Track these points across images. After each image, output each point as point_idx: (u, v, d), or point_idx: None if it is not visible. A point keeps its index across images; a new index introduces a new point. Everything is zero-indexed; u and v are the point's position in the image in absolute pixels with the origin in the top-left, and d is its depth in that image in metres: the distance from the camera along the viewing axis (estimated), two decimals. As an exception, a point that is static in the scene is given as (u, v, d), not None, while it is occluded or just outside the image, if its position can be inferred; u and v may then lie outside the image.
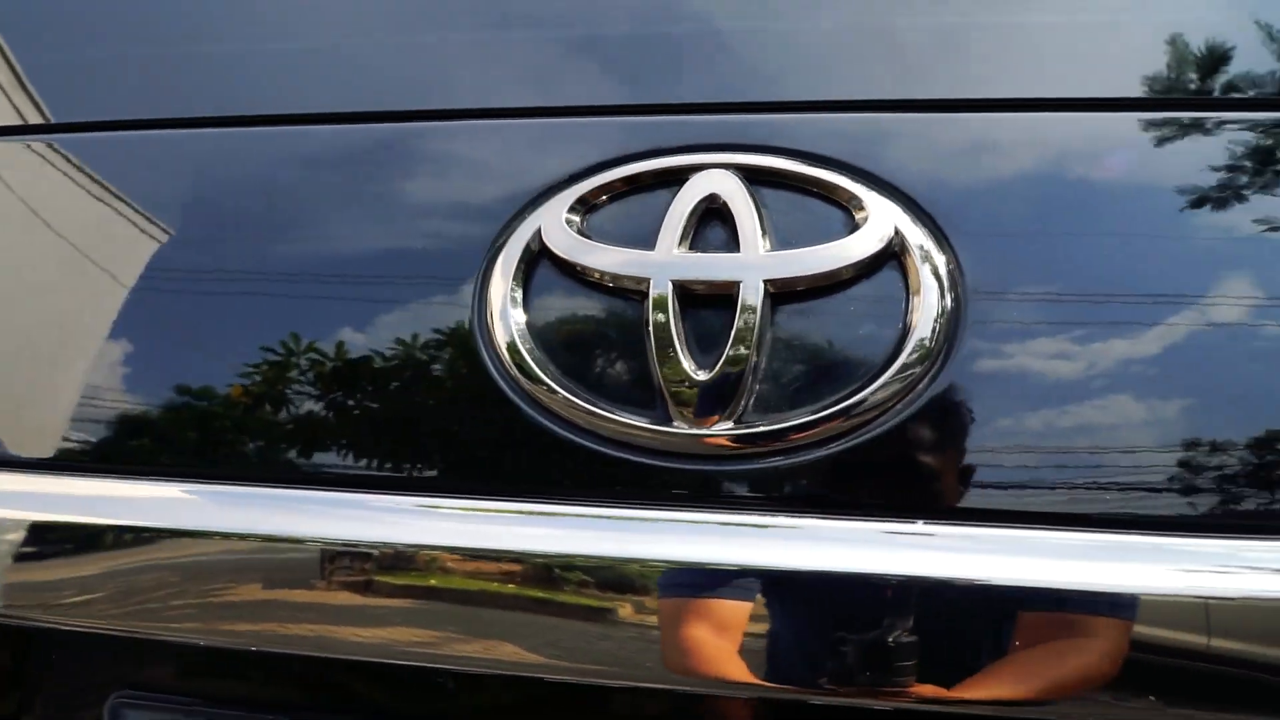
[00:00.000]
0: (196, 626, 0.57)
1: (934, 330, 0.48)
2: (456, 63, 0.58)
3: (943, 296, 0.48)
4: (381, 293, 0.55)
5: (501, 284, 0.52)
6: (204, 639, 0.57)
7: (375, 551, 0.52)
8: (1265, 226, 0.47)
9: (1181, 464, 0.46)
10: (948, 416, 0.47)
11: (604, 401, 0.50)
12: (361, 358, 0.54)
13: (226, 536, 0.55)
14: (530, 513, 0.51)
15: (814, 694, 0.47)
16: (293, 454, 0.55)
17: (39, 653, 0.63)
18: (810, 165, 0.51)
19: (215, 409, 0.56)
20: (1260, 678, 0.44)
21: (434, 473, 0.53)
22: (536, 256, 0.53)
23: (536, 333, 0.52)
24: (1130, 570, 0.45)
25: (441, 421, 0.53)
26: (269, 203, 0.56)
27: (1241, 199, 0.47)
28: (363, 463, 0.54)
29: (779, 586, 0.47)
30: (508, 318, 0.52)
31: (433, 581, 0.52)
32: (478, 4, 0.60)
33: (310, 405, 0.55)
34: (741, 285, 0.49)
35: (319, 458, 0.54)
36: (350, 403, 0.54)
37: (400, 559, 0.52)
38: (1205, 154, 0.48)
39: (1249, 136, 0.48)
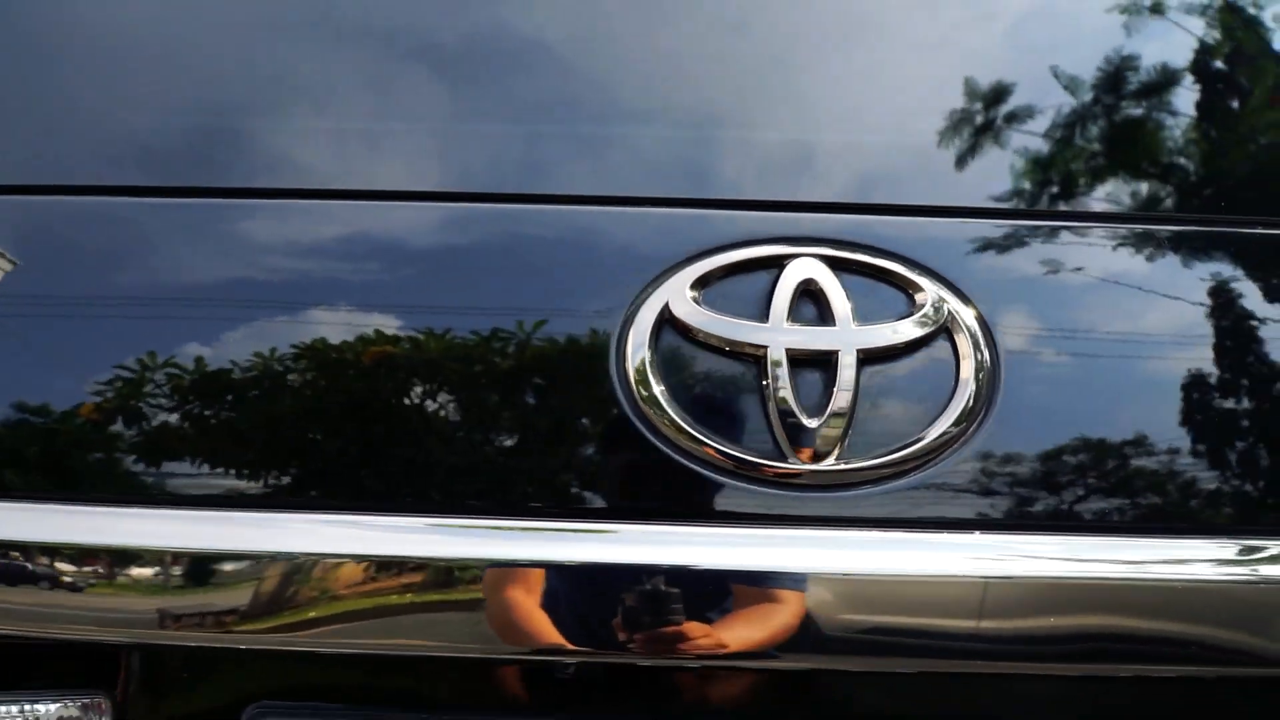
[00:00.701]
0: (327, 638, 0.65)
1: (978, 385, 0.65)
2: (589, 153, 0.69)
3: (983, 358, 0.65)
4: (539, 357, 0.65)
5: (635, 351, 0.64)
6: (331, 648, 0.66)
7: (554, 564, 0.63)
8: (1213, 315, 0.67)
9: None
10: (993, 443, 0.64)
11: (729, 442, 0.64)
12: (540, 406, 0.64)
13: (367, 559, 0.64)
14: (673, 532, 0.63)
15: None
16: (466, 486, 0.64)
17: (172, 671, 0.69)
18: (877, 257, 0.66)
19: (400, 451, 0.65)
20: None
21: (592, 501, 0.64)
22: (662, 324, 0.65)
23: (671, 390, 0.64)
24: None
25: (596, 460, 0.65)
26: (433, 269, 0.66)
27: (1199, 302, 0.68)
28: (520, 493, 0.64)
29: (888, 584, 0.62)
30: (645, 371, 0.64)
31: (582, 590, 0.63)
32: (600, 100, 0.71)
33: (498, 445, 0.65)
34: (840, 353, 0.64)
35: (485, 488, 0.64)
36: (520, 443, 0.65)
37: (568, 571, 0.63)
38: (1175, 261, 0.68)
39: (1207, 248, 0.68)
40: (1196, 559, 0.64)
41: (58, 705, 0.68)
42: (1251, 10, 0.84)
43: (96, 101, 0.73)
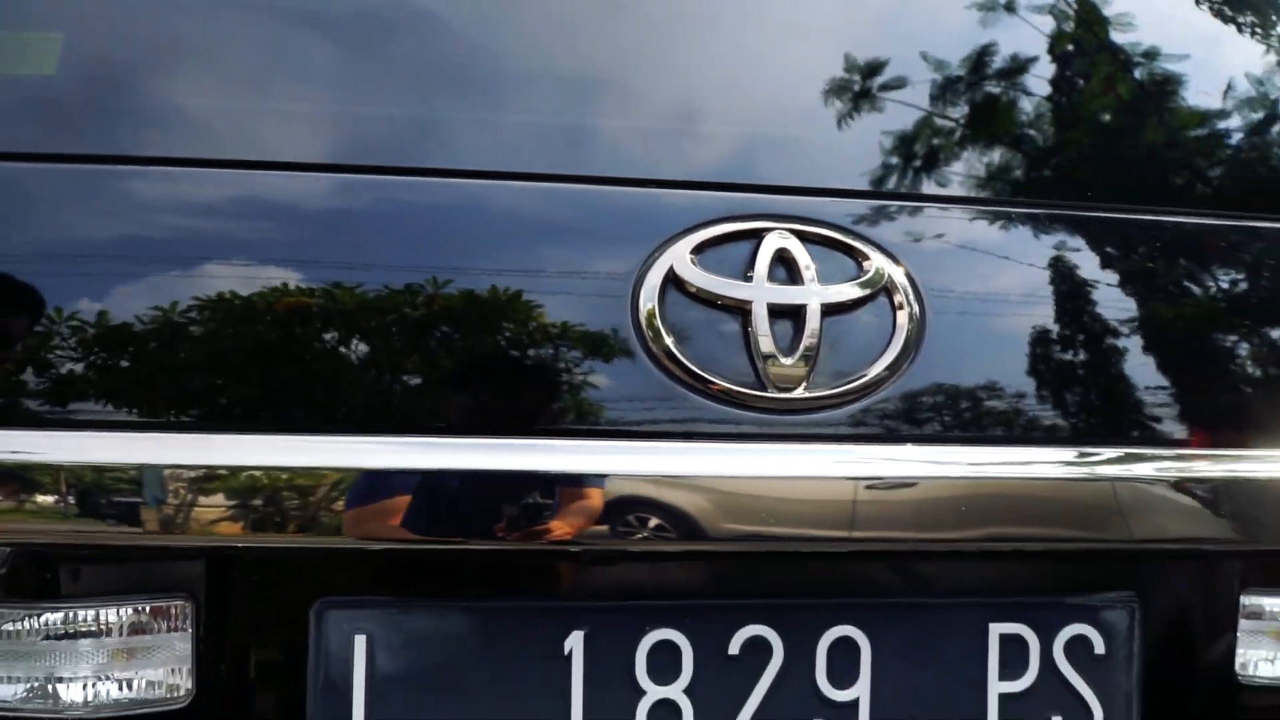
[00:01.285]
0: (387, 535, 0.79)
1: (909, 333, 0.83)
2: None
3: (913, 312, 0.84)
4: (566, 299, 0.80)
5: (646, 303, 0.80)
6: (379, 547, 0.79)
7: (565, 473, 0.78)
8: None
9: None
10: (918, 382, 0.83)
11: (721, 375, 0.80)
12: (554, 335, 0.79)
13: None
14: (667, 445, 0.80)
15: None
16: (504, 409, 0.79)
17: (240, 572, 0.81)
18: (836, 232, 0.84)
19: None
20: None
21: (613, 421, 0.80)
22: (667, 282, 0.81)
23: (674, 334, 0.80)
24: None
25: (616, 388, 0.80)
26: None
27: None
28: (559, 415, 0.80)
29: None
30: (655, 320, 0.80)
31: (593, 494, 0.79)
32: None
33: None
34: (807, 306, 0.81)
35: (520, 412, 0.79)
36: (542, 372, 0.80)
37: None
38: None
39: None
40: (1056, 461, 0.85)
41: (150, 605, 0.79)
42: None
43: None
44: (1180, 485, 0.87)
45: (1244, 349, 0.91)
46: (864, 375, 0.82)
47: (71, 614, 0.78)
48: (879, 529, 0.83)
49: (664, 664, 0.84)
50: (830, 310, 0.82)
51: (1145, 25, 1.07)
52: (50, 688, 0.77)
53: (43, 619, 0.77)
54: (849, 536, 0.83)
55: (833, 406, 0.82)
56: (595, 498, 0.80)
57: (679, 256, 0.81)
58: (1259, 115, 1.04)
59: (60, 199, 0.79)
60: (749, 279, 0.81)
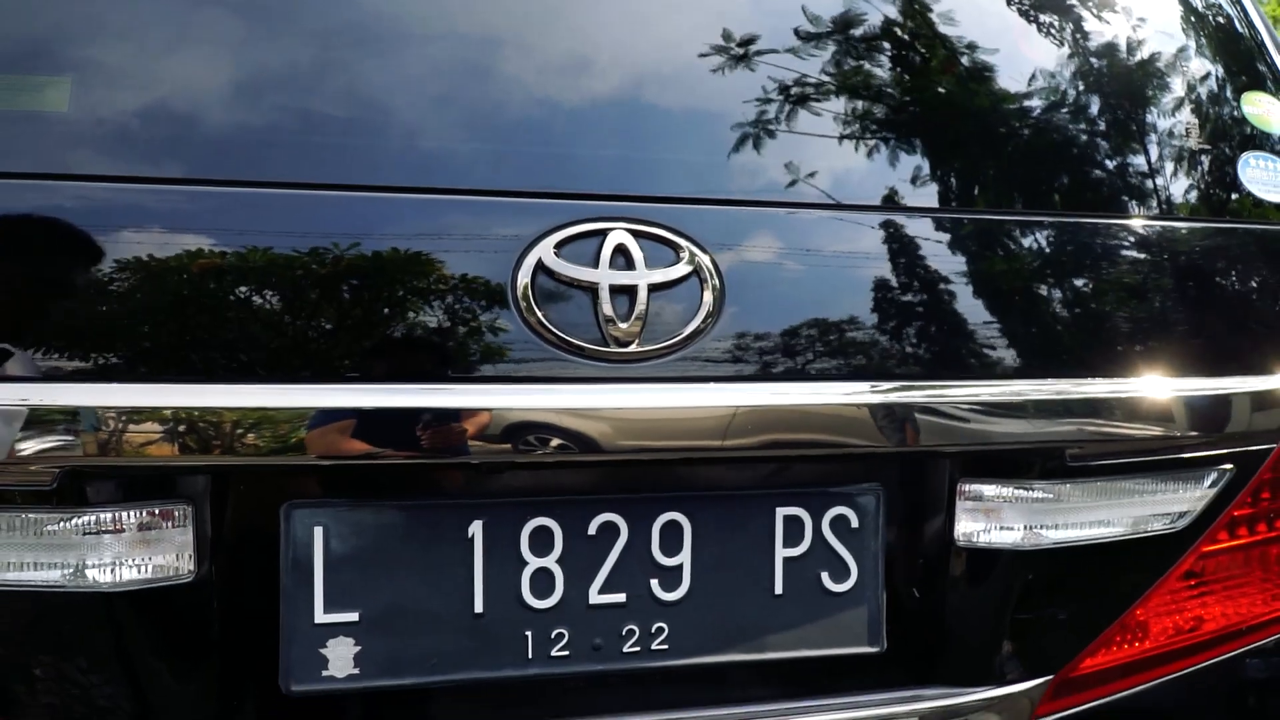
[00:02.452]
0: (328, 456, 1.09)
1: (713, 300, 1.15)
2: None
3: (715, 287, 1.16)
4: (463, 283, 1.10)
5: (520, 284, 1.11)
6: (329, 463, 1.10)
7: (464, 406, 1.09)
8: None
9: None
10: (720, 338, 1.16)
11: (575, 335, 1.12)
12: (455, 307, 1.10)
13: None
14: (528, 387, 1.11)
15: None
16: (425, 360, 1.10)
17: (227, 483, 1.10)
18: (661, 229, 1.15)
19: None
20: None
21: (491, 371, 1.11)
22: (536, 269, 1.12)
23: (541, 306, 1.11)
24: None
25: (498, 347, 1.11)
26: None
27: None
28: (447, 365, 1.10)
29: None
30: (528, 297, 1.10)
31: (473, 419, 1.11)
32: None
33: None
34: (639, 286, 1.13)
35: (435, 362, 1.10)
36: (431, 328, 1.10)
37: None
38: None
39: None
40: (819, 391, 1.19)
41: (155, 506, 1.08)
42: None
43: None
44: (908, 406, 1.22)
45: (954, 306, 1.26)
46: (679, 334, 1.15)
47: (102, 516, 1.07)
48: (692, 442, 1.16)
49: (541, 542, 1.17)
50: (655, 288, 1.14)
51: (959, 22, 1.39)
52: (87, 570, 1.06)
53: (82, 519, 1.06)
54: (671, 448, 1.16)
55: (657, 357, 1.14)
56: (487, 425, 1.11)
57: (545, 250, 1.12)
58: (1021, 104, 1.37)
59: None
60: (596, 266, 1.13)
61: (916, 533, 1.30)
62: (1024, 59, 1.40)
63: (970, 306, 1.27)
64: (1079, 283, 1.31)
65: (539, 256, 1.11)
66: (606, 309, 1.12)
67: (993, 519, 1.30)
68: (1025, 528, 1.30)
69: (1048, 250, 1.31)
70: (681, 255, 1.15)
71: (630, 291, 1.13)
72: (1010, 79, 1.39)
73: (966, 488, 1.28)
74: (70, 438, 1.03)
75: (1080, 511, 1.31)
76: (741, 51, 1.27)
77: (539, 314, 1.11)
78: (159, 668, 1.10)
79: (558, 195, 1.15)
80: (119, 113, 1.12)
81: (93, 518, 1.06)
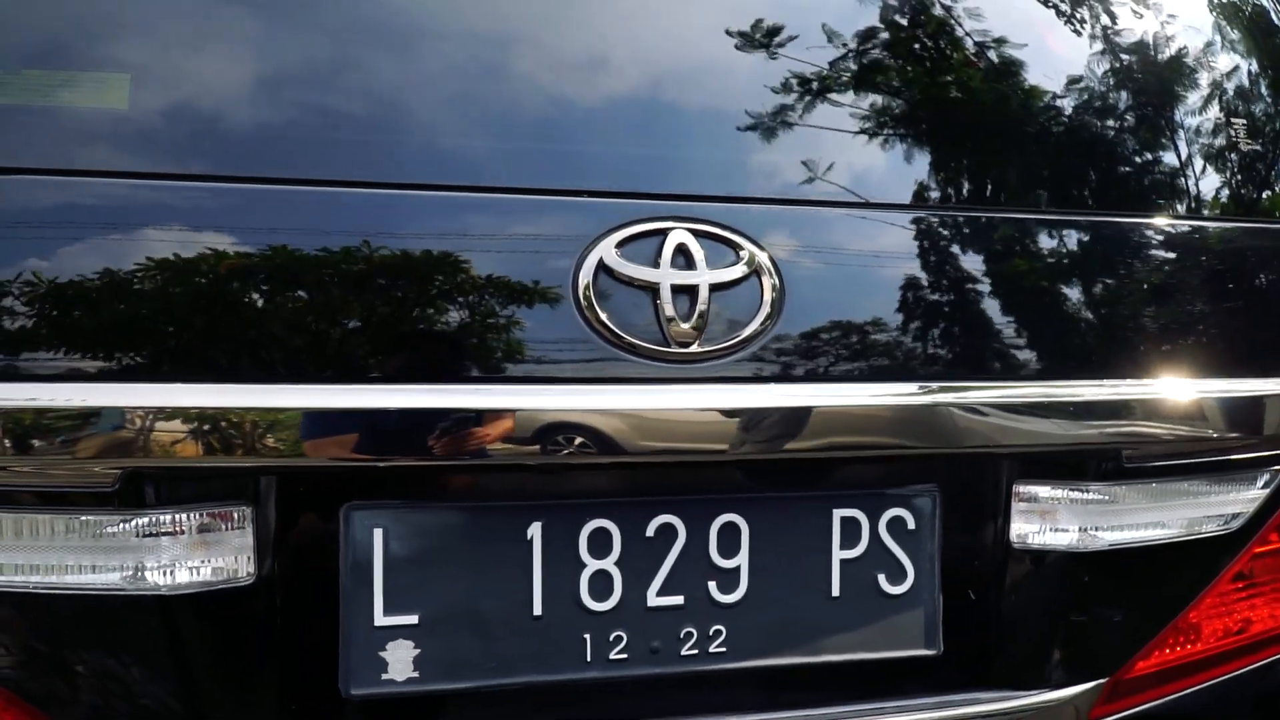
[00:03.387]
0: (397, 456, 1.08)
1: (773, 301, 1.15)
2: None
3: (775, 286, 1.15)
4: (527, 284, 1.10)
5: (582, 283, 1.10)
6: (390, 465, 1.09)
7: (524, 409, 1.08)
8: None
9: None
10: (780, 338, 1.15)
11: (637, 336, 1.11)
12: (517, 307, 1.09)
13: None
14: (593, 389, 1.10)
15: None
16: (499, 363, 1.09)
17: (288, 485, 1.10)
18: (722, 229, 1.14)
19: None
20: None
21: (555, 371, 1.10)
22: (598, 269, 1.11)
23: (602, 306, 1.10)
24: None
25: (559, 348, 1.10)
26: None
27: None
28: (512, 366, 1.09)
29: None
30: (590, 296, 1.10)
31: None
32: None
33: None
34: (700, 285, 1.12)
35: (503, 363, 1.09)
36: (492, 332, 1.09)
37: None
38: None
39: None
40: (878, 392, 1.18)
41: (216, 509, 1.07)
42: None
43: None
44: (966, 406, 1.21)
45: (1012, 306, 1.25)
46: (740, 334, 1.14)
47: (162, 518, 1.05)
48: (752, 443, 1.16)
49: (600, 544, 1.16)
50: (716, 288, 1.13)
51: (1012, 26, 1.39)
52: (147, 572, 1.05)
53: (142, 521, 1.05)
54: (730, 449, 1.15)
55: (718, 357, 1.13)
56: (548, 426, 1.10)
57: (607, 249, 1.11)
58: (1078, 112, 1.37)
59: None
60: (657, 266, 1.12)
61: (972, 534, 1.29)
62: (1083, 57, 1.40)
63: (1028, 307, 1.27)
64: (1137, 283, 1.31)
65: (600, 256, 1.11)
66: (668, 309, 1.11)
67: (1048, 520, 1.29)
68: (1080, 529, 1.29)
69: (1107, 251, 1.31)
70: (741, 255, 1.14)
71: (691, 291, 1.12)
72: (1066, 77, 1.38)
73: (1022, 489, 1.28)
74: (131, 438, 1.02)
75: (1135, 513, 1.30)
76: (800, 50, 1.27)
77: (600, 314, 1.10)
78: (218, 671, 1.09)
79: (617, 195, 1.14)
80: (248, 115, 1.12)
81: (153, 519, 1.05)
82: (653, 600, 1.18)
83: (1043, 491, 1.28)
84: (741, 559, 1.20)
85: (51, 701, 1.07)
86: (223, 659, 1.10)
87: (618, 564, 1.16)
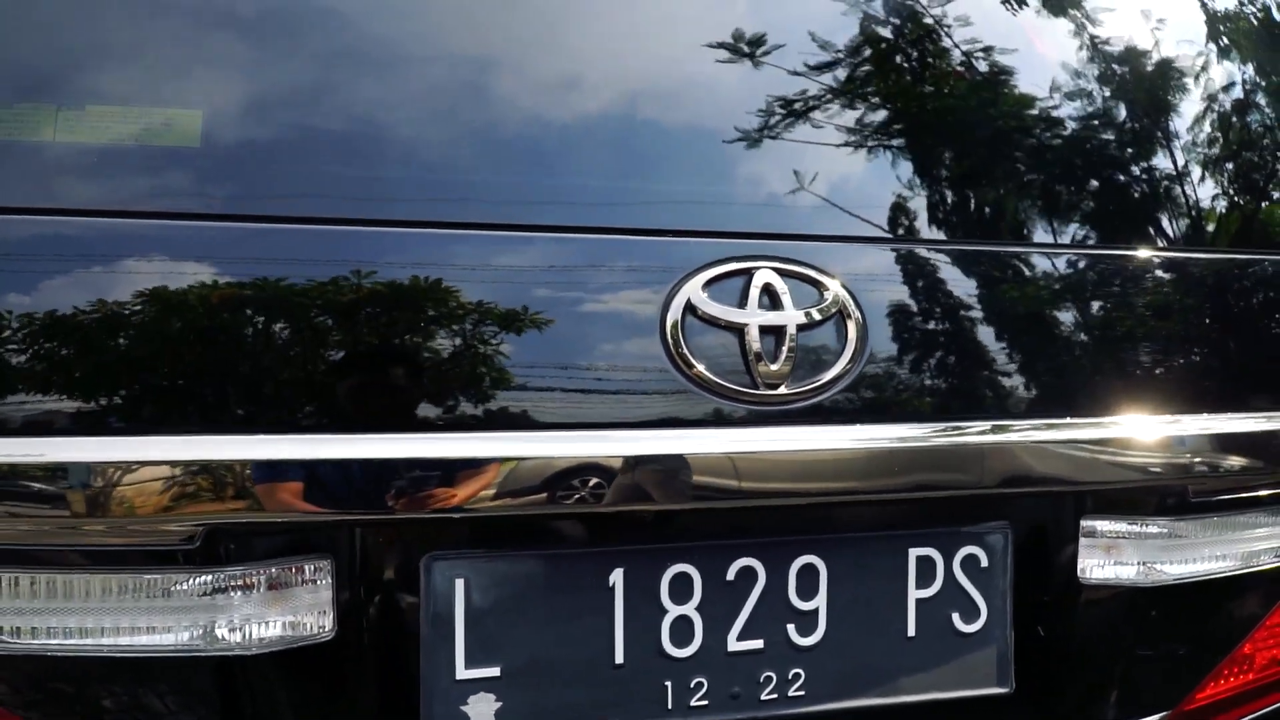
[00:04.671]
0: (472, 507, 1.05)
1: (858, 342, 1.14)
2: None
3: (859, 324, 1.14)
4: (615, 324, 1.07)
5: (670, 323, 1.08)
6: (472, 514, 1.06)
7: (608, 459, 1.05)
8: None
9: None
10: (865, 378, 1.14)
11: (724, 377, 1.09)
12: (605, 350, 1.06)
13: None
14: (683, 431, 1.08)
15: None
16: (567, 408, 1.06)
17: (368, 537, 1.06)
18: (807, 268, 1.13)
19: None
20: None
21: (644, 414, 1.07)
22: (685, 309, 1.09)
23: (690, 347, 1.08)
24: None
25: (647, 390, 1.08)
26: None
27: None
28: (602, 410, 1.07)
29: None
30: (678, 337, 1.07)
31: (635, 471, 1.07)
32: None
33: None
34: (787, 326, 1.11)
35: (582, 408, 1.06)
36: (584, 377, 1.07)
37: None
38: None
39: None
40: (956, 431, 1.18)
41: (295, 563, 1.03)
42: None
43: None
44: (1038, 445, 1.21)
45: (1075, 352, 1.26)
46: (827, 375, 1.12)
47: (236, 573, 1.01)
48: (836, 484, 1.14)
49: (681, 589, 1.13)
50: (803, 327, 1.12)
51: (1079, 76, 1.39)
52: (230, 629, 1.01)
53: (222, 575, 1.01)
54: (814, 491, 1.14)
55: (806, 398, 1.12)
56: (634, 473, 1.08)
57: (694, 289, 1.09)
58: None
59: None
60: (744, 306, 1.10)
61: (1042, 570, 1.29)
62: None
63: (1098, 342, 1.27)
64: (1199, 320, 1.32)
65: (687, 296, 1.09)
66: (755, 349, 1.09)
67: (1116, 555, 1.29)
68: (1147, 564, 1.30)
69: (1176, 288, 1.32)
70: (826, 294, 1.13)
71: (778, 332, 1.10)
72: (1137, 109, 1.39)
73: (1091, 525, 1.28)
74: (209, 493, 0.98)
75: (1199, 547, 1.31)
76: (882, 89, 1.26)
77: (688, 355, 1.08)
78: (299, 729, 1.05)
79: (702, 234, 1.12)
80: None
81: (228, 576, 1.01)
82: (733, 645, 1.16)
83: (1112, 527, 1.28)
84: (820, 601, 1.18)
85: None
86: (304, 716, 1.05)
87: (699, 609, 1.14)
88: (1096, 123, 1.38)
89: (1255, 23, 1.58)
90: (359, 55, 1.14)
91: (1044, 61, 1.36)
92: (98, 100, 1.05)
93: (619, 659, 1.12)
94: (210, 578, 1.00)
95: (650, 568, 1.13)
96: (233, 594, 1.01)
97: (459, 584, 1.08)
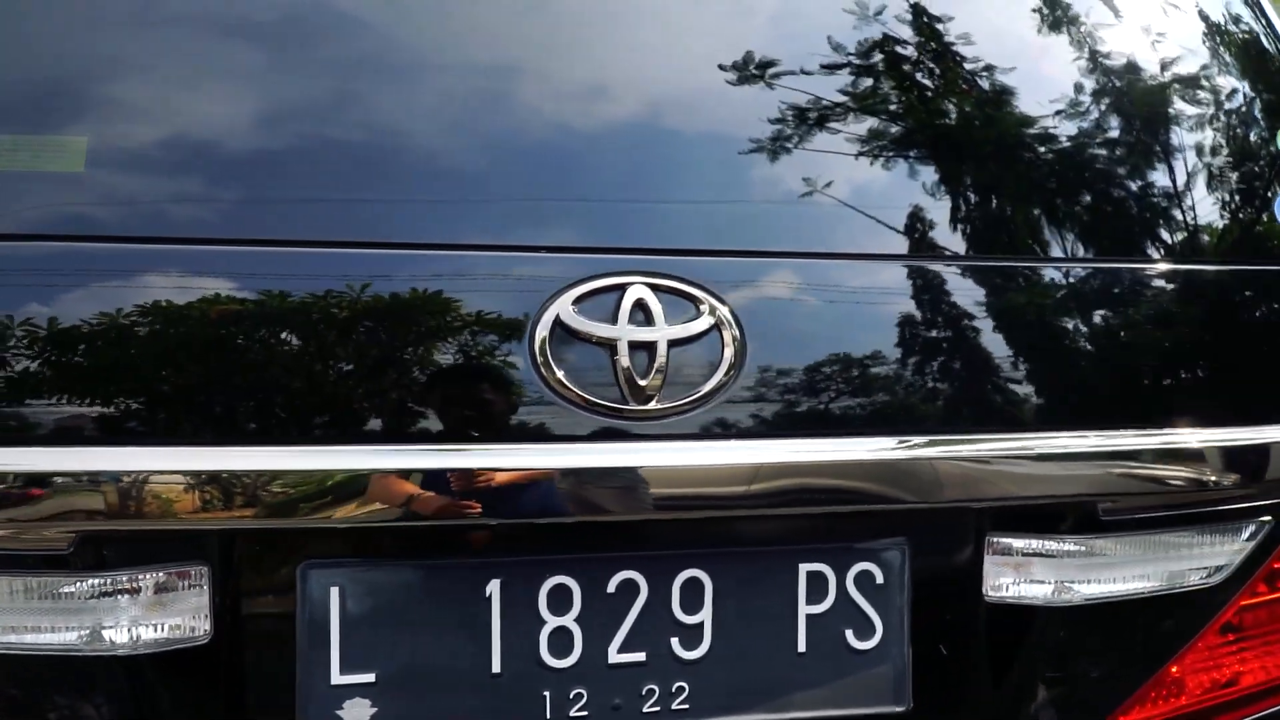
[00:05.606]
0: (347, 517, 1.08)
1: (735, 355, 1.13)
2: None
3: (736, 339, 1.14)
4: (481, 340, 1.09)
5: (539, 340, 1.09)
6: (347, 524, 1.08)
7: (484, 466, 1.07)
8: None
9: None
10: (742, 393, 1.14)
11: (594, 392, 1.10)
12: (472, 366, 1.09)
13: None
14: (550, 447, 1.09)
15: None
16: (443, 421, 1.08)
17: (244, 544, 1.10)
18: (679, 283, 1.13)
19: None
20: None
21: (509, 429, 1.09)
22: (554, 325, 1.10)
23: (559, 363, 1.09)
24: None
25: (515, 406, 1.10)
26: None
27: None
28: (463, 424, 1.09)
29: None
30: (546, 354, 1.09)
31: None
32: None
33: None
34: (658, 342, 1.11)
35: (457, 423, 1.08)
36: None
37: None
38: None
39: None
40: (841, 447, 1.17)
41: (174, 568, 1.07)
42: None
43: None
44: (934, 460, 1.19)
45: (978, 356, 1.23)
46: (700, 390, 1.12)
47: (118, 578, 1.06)
48: (713, 500, 1.14)
49: (559, 601, 1.15)
50: (675, 343, 1.12)
51: (989, 51, 1.37)
52: (103, 632, 1.06)
53: (97, 581, 1.05)
54: (689, 507, 1.14)
55: (678, 413, 1.12)
56: (504, 485, 1.09)
57: (564, 306, 1.10)
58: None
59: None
60: (615, 322, 1.11)
61: (944, 588, 1.27)
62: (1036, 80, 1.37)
63: (994, 356, 1.24)
64: (1104, 329, 1.28)
65: (557, 313, 1.10)
66: (624, 366, 1.10)
67: (1023, 574, 1.27)
68: (1057, 582, 1.27)
69: (1070, 295, 1.28)
70: (702, 309, 1.13)
71: (650, 347, 1.11)
72: (1022, 101, 1.36)
73: (996, 541, 1.26)
74: (86, 501, 1.02)
75: (1114, 566, 1.28)
76: (759, 98, 1.25)
77: (557, 371, 1.09)
78: (176, 728, 1.10)
79: (576, 249, 1.14)
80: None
81: (109, 580, 1.06)
82: (614, 657, 1.16)
83: (1018, 544, 1.26)
84: (705, 614, 1.19)
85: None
86: (180, 717, 1.10)
87: (578, 620, 1.15)
88: (1016, 124, 1.35)
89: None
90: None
91: (948, 50, 1.34)
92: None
93: (496, 668, 1.14)
94: (86, 580, 1.05)
95: (528, 579, 1.14)
96: (110, 596, 1.06)
97: (334, 591, 1.11)
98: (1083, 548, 1.26)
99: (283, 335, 1.07)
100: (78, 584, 1.05)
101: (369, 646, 1.11)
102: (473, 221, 1.16)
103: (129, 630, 1.06)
